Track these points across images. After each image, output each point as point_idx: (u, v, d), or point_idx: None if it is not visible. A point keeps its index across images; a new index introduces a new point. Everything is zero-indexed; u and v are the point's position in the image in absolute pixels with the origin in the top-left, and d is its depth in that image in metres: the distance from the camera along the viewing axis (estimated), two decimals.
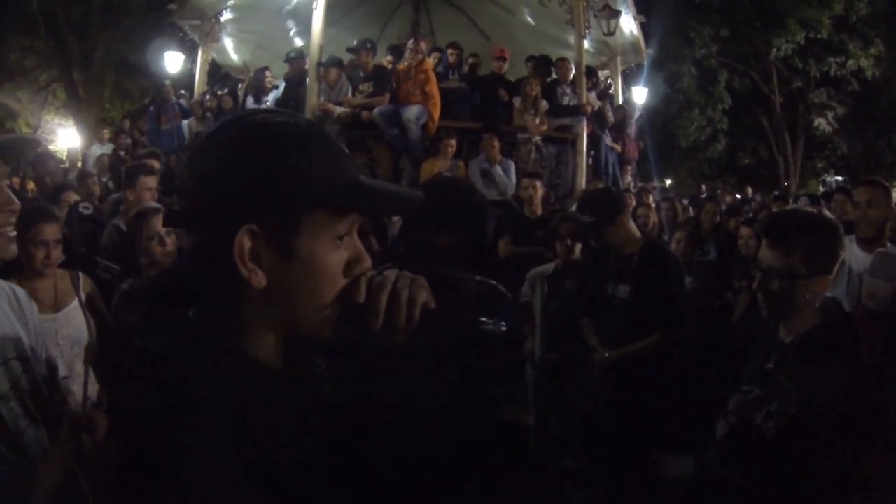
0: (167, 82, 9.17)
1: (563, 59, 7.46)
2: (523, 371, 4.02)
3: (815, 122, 19.06)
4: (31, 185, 7.97)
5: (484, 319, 0.90)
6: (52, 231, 2.59)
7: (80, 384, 1.75)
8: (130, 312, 0.84)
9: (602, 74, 9.18)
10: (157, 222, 2.74)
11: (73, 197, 4.72)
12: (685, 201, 8.95)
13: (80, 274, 2.80)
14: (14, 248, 1.29)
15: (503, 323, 0.90)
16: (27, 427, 1.37)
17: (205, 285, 0.84)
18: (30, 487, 1.31)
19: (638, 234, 3.36)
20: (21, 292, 1.52)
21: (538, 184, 5.12)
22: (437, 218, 2.49)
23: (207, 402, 0.75)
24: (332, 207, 0.79)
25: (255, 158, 0.76)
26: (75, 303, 2.67)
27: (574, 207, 6.65)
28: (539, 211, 5.10)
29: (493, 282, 1.96)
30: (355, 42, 6.66)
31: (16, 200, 1.24)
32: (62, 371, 1.65)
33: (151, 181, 4.02)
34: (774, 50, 17.83)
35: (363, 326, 0.84)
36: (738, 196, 15.10)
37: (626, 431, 3.07)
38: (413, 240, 2.64)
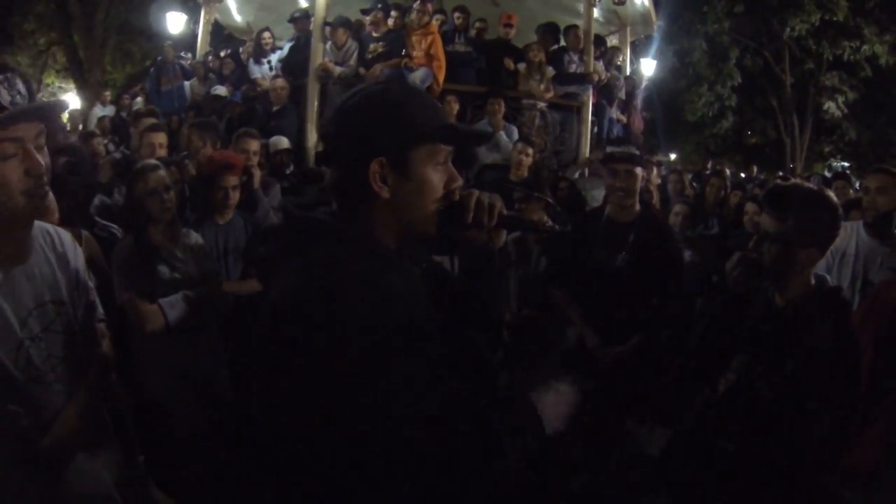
0: (168, 43, 9.05)
1: (573, 27, 7.35)
2: None
3: (825, 106, 18.74)
4: None
5: (548, 221, 1.30)
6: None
7: None
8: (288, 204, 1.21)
9: (609, 41, 9.04)
10: (155, 178, 2.72)
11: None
12: (689, 176, 8.87)
13: (84, 232, 2.80)
14: (45, 205, 1.35)
15: (558, 227, 1.28)
16: (56, 367, 1.41)
17: (343, 207, 1.16)
18: (55, 423, 1.37)
19: (638, 202, 3.23)
20: (66, 236, 1.57)
21: (530, 150, 5.04)
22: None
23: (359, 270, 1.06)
24: (435, 142, 1.14)
25: (379, 111, 1.13)
26: None
27: (578, 174, 6.65)
28: (525, 175, 5.02)
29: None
30: (369, 2, 6.51)
31: (42, 165, 1.28)
32: (100, 314, 1.69)
33: (159, 137, 4.01)
34: (788, 29, 17.45)
35: (459, 222, 1.18)
36: (742, 175, 15.02)
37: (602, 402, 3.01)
38: None
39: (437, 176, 1.15)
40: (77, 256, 1.57)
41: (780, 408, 1.76)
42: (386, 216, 1.14)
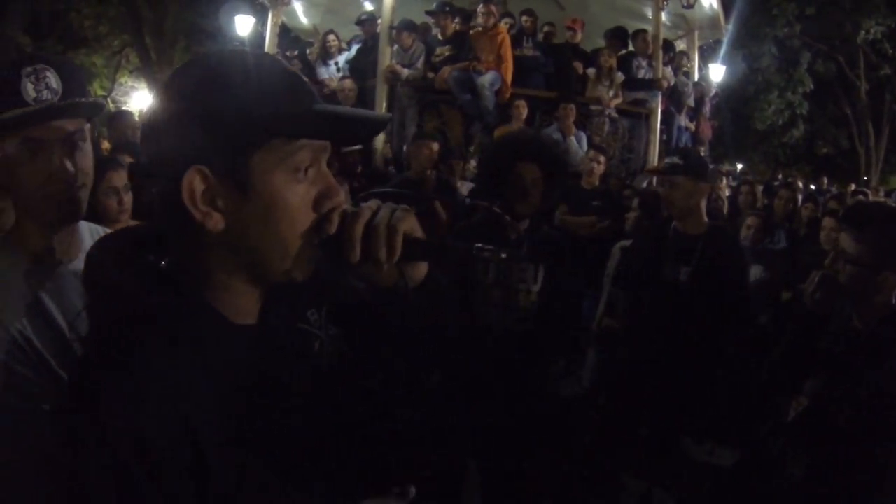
0: (237, 44, 9.27)
1: (641, 31, 7.19)
2: None
3: None
4: (105, 146, 8.24)
5: (480, 246, 0.81)
6: (119, 178, 2.63)
7: None
8: (105, 255, 0.82)
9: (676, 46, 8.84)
10: (115, 176, 2.63)
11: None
12: (761, 188, 8.56)
13: None
14: (74, 207, 1.29)
15: (503, 252, 0.82)
16: None
17: (171, 235, 0.79)
18: None
19: (705, 216, 3.11)
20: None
21: (602, 158, 5.03)
22: (509, 153, 2.51)
23: (175, 355, 0.72)
24: (282, 136, 0.74)
25: (196, 97, 0.73)
26: None
27: (646, 183, 6.48)
28: (596, 183, 5.02)
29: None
30: (434, 5, 6.52)
31: (67, 169, 1.22)
32: None
33: None
34: (863, 32, 16.63)
35: (341, 263, 0.79)
36: (812, 186, 14.40)
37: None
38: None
39: (296, 191, 0.76)
40: None
41: (853, 436, 1.69)
42: (224, 257, 0.77)
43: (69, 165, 1.21)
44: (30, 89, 1.15)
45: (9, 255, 1.27)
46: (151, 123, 0.78)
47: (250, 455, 0.74)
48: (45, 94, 1.17)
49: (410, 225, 0.81)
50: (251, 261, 0.77)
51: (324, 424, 0.85)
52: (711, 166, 8.49)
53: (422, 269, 0.89)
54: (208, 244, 0.76)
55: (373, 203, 0.81)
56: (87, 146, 1.30)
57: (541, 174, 2.52)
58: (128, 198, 2.65)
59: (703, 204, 3.03)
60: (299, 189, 0.76)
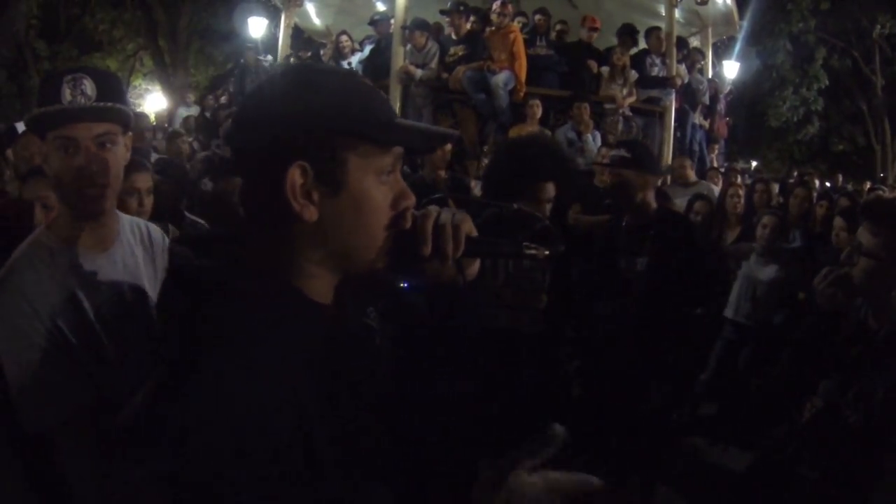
0: (249, 46, 9.35)
1: (655, 29, 7.16)
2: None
3: None
4: None
5: (528, 244, 0.94)
6: (143, 180, 2.68)
7: None
8: (183, 249, 0.90)
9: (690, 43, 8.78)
10: (139, 178, 2.68)
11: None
12: (777, 186, 8.48)
13: (171, 227, 2.88)
14: (104, 203, 1.41)
15: (547, 250, 0.95)
16: (128, 353, 1.43)
17: (258, 227, 0.86)
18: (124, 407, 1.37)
19: (654, 204, 3.05)
20: (155, 230, 1.64)
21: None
22: (527, 172, 2.50)
23: (257, 335, 0.78)
24: (373, 142, 0.83)
25: (299, 100, 0.80)
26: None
27: (660, 182, 6.45)
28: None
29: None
30: (448, 4, 6.53)
31: (93, 165, 1.35)
32: None
33: None
34: (878, 27, 16.48)
35: (414, 256, 0.88)
36: (827, 184, 14.23)
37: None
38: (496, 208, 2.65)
39: (380, 190, 0.84)
40: (166, 252, 1.61)
41: (868, 437, 1.68)
42: (312, 247, 0.84)
43: (93, 164, 1.34)
44: (67, 94, 1.31)
45: (48, 244, 1.39)
46: (247, 121, 0.85)
47: (335, 424, 0.82)
48: (80, 99, 1.32)
49: (469, 226, 0.91)
50: (339, 250, 0.85)
51: (387, 413, 0.93)
52: (725, 164, 8.47)
53: (475, 266, 1.00)
54: (298, 234, 0.83)
55: (434, 207, 0.92)
56: (117, 149, 1.40)
57: (557, 191, 2.53)
58: (149, 200, 2.70)
59: (651, 195, 3.01)
60: (383, 189, 0.85)
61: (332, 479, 0.78)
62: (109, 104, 1.36)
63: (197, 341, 0.78)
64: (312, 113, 0.80)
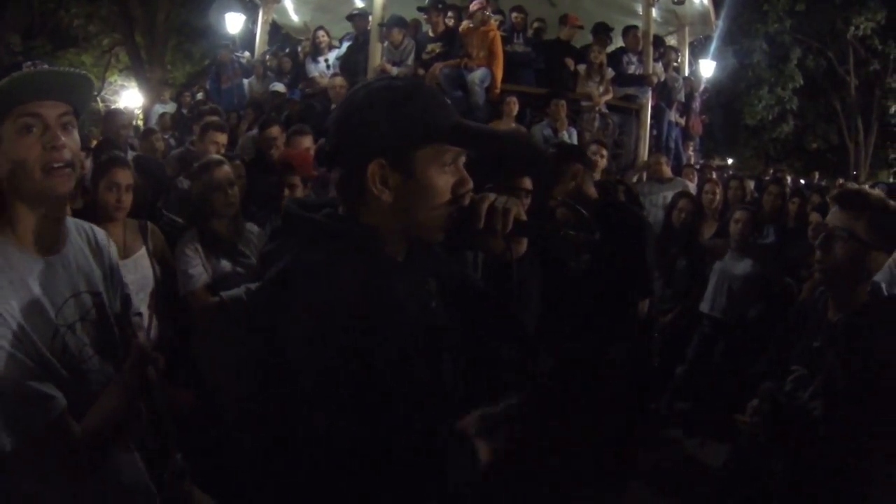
0: (225, 43, 9.24)
1: (632, 27, 7.21)
2: None
3: (892, 109, 17.93)
4: (93, 143, 8.20)
5: (566, 230, 1.14)
6: (124, 176, 2.69)
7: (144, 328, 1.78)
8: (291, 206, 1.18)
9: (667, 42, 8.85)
10: (119, 174, 2.69)
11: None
12: (752, 183, 8.58)
13: (150, 224, 2.85)
14: (71, 185, 1.35)
15: (579, 235, 1.14)
16: (91, 356, 1.40)
17: (347, 207, 1.12)
18: (89, 412, 1.35)
19: (594, 195, 2.95)
20: (100, 232, 1.59)
21: (605, 152, 4.99)
22: (503, 166, 2.50)
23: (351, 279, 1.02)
24: (441, 142, 1.06)
25: (382, 108, 1.06)
26: (142, 250, 2.76)
27: (636, 178, 6.51)
28: (598, 177, 4.90)
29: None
30: (426, 1, 6.51)
31: (61, 139, 1.30)
32: (135, 308, 1.68)
33: (221, 137, 4.10)
34: (853, 28, 16.71)
35: (470, 227, 1.10)
36: (802, 181, 14.44)
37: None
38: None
39: (443, 178, 1.08)
40: (112, 252, 1.58)
41: (832, 429, 1.72)
42: (388, 220, 1.09)
43: (62, 137, 1.30)
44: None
45: (2, 246, 1.31)
46: (338, 124, 1.10)
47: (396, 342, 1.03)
48: None
49: (518, 210, 1.13)
50: (409, 222, 1.09)
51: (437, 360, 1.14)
52: (700, 161, 8.55)
53: (523, 244, 1.20)
54: (378, 209, 1.08)
55: (491, 193, 1.13)
56: (75, 134, 1.35)
57: (533, 186, 2.53)
58: (127, 197, 2.68)
59: (590, 186, 2.92)
60: (445, 177, 1.08)
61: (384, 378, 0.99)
62: (74, 70, 1.32)
63: (293, 272, 1.04)
64: (386, 121, 1.04)
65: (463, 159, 1.11)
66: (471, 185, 1.11)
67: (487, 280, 1.23)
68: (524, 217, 1.13)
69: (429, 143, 1.05)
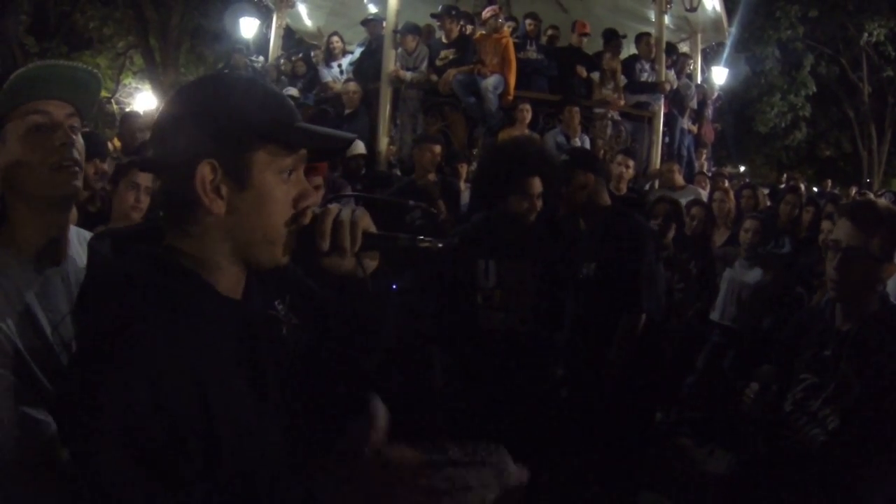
0: (237, 47, 9.32)
1: (645, 34, 7.21)
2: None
3: None
4: (116, 143, 8.24)
5: (422, 238, 1.01)
6: (144, 178, 2.69)
7: None
8: (102, 245, 0.97)
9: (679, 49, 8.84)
10: (141, 175, 2.69)
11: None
12: (766, 191, 8.53)
13: None
14: (78, 184, 1.30)
15: (440, 242, 1.02)
16: None
17: (171, 222, 0.94)
18: None
19: (607, 203, 2.99)
20: None
21: (631, 163, 4.99)
22: (514, 167, 2.54)
23: (170, 323, 0.85)
24: (275, 143, 0.91)
25: (208, 105, 0.91)
26: None
27: (648, 186, 6.50)
28: (624, 189, 4.94)
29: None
30: (439, 8, 6.55)
31: (72, 137, 1.27)
32: None
33: None
34: (866, 35, 16.62)
35: (313, 251, 0.97)
36: (815, 189, 14.36)
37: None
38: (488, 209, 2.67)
39: (281, 188, 0.93)
40: None
41: (846, 440, 1.71)
42: (221, 240, 0.92)
43: (73, 136, 1.27)
44: None
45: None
46: (163, 125, 0.93)
47: (243, 411, 0.89)
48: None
49: (367, 222, 1.00)
50: (244, 242, 0.93)
51: (294, 396, 1.01)
52: (712, 169, 8.51)
53: (374, 260, 1.06)
54: (208, 227, 0.91)
55: (335, 205, 1.00)
56: (80, 135, 1.32)
57: (543, 187, 2.58)
58: (146, 199, 2.69)
59: (602, 194, 2.96)
60: (284, 187, 0.94)
61: (233, 466, 0.85)
62: (83, 66, 1.30)
63: (107, 337, 0.82)
64: (219, 116, 0.89)
65: (303, 167, 0.96)
66: (314, 198, 0.98)
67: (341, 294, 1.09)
68: (374, 229, 1.01)
69: (262, 143, 0.90)
